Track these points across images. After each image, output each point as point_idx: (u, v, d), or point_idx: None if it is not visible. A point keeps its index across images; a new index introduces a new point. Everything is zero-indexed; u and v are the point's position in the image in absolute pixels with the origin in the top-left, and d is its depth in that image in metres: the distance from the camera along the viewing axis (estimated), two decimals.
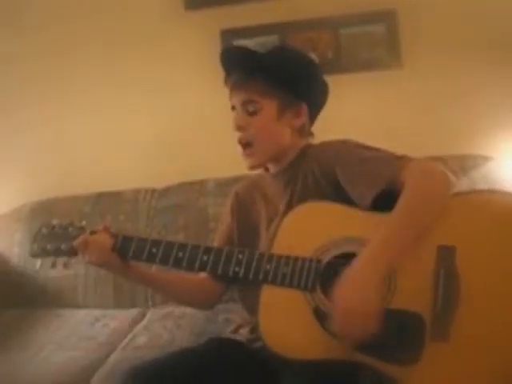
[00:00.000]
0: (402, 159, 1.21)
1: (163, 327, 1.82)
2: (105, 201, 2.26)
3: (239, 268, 1.19)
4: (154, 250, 1.23)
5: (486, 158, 2.07)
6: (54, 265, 1.29)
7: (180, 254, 1.22)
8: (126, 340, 1.81)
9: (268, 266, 1.17)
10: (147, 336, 1.80)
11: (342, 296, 1.07)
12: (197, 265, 1.22)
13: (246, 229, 1.39)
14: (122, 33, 2.39)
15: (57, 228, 1.31)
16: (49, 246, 1.29)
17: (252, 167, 1.35)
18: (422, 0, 2.25)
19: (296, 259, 1.16)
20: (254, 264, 1.18)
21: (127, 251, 1.25)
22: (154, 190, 2.27)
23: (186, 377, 1.20)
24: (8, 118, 2.46)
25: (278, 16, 2.30)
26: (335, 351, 1.11)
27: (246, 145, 1.32)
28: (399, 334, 1.09)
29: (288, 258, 1.17)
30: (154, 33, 2.38)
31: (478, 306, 1.07)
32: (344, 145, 1.31)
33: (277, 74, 1.31)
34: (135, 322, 1.96)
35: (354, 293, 1.06)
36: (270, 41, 2.31)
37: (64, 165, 2.46)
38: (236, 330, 1.40)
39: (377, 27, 2.28)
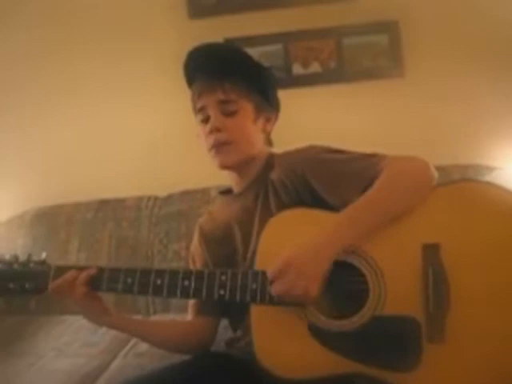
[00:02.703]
0: (375, 156, 1.20)
1: None
2: (107, 208, 2.26)
3: (224, 290, 1.12)
4: (130, 280, 1.16)
5: (488, 168, 2.07)
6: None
7: (158, 282, 1.14)
8: (128, 347, 1.80)
9: (254, 285, 1.11)
10: None
11: (287, 253, 1.09)
12: (178, 291, 1.14)
13: (220, 256, 1.33)
14: (126, 40, 2.39)
15: (16, 265, 1.19)
16: (11, 285, 1.18)
17: (224, 165, 1.30)
18: (423, 11, 2.27)
19: None
20: (239, 284, 1.12)
21: (100, 283, 1.17)
22: (156, 198, 2.28)
23: None
24: (9, 124, 2.46)
25: (281, 25, 2.31)
26: (334, 365, 1.09)
27: (222, 145, 1.27)
28: (396, 341, 1.09)
29: None
30: (158, 40, 2.38)
31: (471, 302, 1.07)
32: (313, 150, 1.28)
33: (252, 76, 1.30)
34: None
35: (300, 253, 1.09)
36: (273, 50, 2.33)
37: (67, 171, 2.46)
38: (230, 343, 1.34)
39: (379, 37, 2.30)
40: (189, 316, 1.34)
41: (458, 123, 2.24)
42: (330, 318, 1.12)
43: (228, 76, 1.28)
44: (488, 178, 2.01)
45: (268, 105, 1.35)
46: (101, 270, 1.18)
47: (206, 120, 1.31)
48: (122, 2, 2.41)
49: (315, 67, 2.35)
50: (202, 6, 2.36)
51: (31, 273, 1.19)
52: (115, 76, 2.41)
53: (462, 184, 1.17)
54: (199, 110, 1.32)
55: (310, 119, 2.27)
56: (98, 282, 1.17)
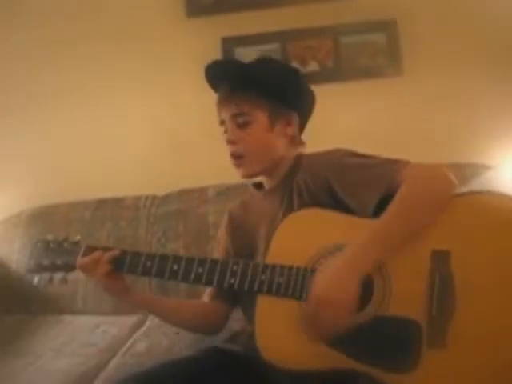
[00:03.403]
0: (397, 163, 1.21)
1: (163, 334, 1.82)
2: (105, 207, 2.26)
3: (234, 279, 1.19)
4: (149, 264, 1.24)
5: (485, 167, 2.07)
6: (51, 280, 1.31)
7: (175, 267, 1.23)
8: (126, 346, 1.80)
9: (263, 277, 1.17)
10: (147, 342, 1.79)
11: (318, 284, 1.10)
12: (192, 277, 1.22)
13: (242, 248, 1.38)
14: (124, 39, 2.40)
15: (52, 243, 1.32)
16: (45, 262, 1.31)
17: (245, 176, 1.35)
18: (421, 10, 2.27)
19: (290, 269, 1.16)
20: (249, 274, 1.18)
21: (122, 265, 1.26)
22: (154, 197, 2.28)
23: None
24: (6, 122, 2.46)
25: (278, 24, 2.31)
26: (332, 361, 1.10)
27: (239, 157, 1.32)
28: (396, 341, 1.09)
29: (282, 267, 1.17)
30: (156, 39, 2.39)
31: (475, 310, 1.07)
32: (337, 154, 1.30)
33: (265, 85, 1.32)
34: (135, 328, 1.95)
35: (332, 282, 1.09)
36: (270, 49, 2.32)
37: (64, 170, 2.46)
38: (232, 338, 1.39)
39: (377, 36, 2.30)
40: (205, 298, 1.40)
41: (455, 122, 2.24)
42: None
43: (238, 89, 1.32)
44: (485, 176, 2.01)
45: (287, 108, 1.36)
46: (124, 252, 1.26)
47: (225, 132, 1.35)
48: (120, 2, 2.41)
49: (313, 66, 2.35)
50: (199, 4, 2.36)
51: (64, 251, 1.31)
52: (112, 76, 2.41)
53: (477, 195, 1.19)
54: (220, 123, 1.37)
55: None
56: (120, 263, 1.25)
